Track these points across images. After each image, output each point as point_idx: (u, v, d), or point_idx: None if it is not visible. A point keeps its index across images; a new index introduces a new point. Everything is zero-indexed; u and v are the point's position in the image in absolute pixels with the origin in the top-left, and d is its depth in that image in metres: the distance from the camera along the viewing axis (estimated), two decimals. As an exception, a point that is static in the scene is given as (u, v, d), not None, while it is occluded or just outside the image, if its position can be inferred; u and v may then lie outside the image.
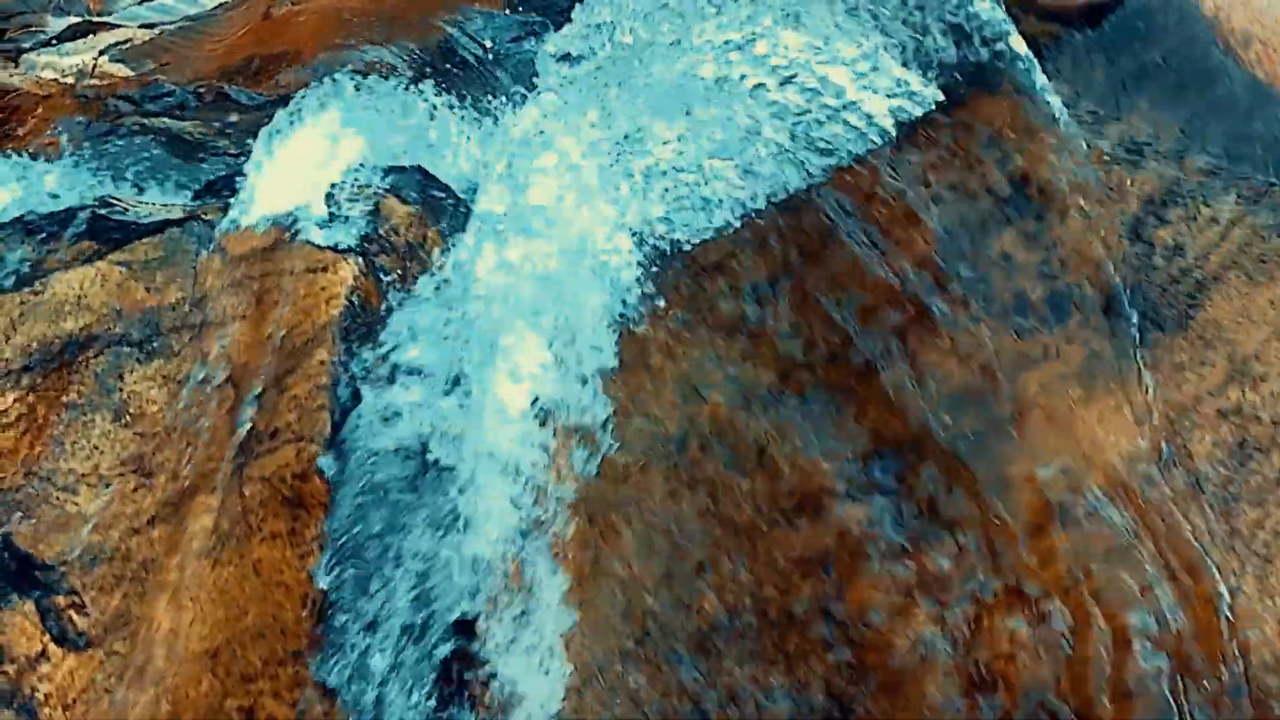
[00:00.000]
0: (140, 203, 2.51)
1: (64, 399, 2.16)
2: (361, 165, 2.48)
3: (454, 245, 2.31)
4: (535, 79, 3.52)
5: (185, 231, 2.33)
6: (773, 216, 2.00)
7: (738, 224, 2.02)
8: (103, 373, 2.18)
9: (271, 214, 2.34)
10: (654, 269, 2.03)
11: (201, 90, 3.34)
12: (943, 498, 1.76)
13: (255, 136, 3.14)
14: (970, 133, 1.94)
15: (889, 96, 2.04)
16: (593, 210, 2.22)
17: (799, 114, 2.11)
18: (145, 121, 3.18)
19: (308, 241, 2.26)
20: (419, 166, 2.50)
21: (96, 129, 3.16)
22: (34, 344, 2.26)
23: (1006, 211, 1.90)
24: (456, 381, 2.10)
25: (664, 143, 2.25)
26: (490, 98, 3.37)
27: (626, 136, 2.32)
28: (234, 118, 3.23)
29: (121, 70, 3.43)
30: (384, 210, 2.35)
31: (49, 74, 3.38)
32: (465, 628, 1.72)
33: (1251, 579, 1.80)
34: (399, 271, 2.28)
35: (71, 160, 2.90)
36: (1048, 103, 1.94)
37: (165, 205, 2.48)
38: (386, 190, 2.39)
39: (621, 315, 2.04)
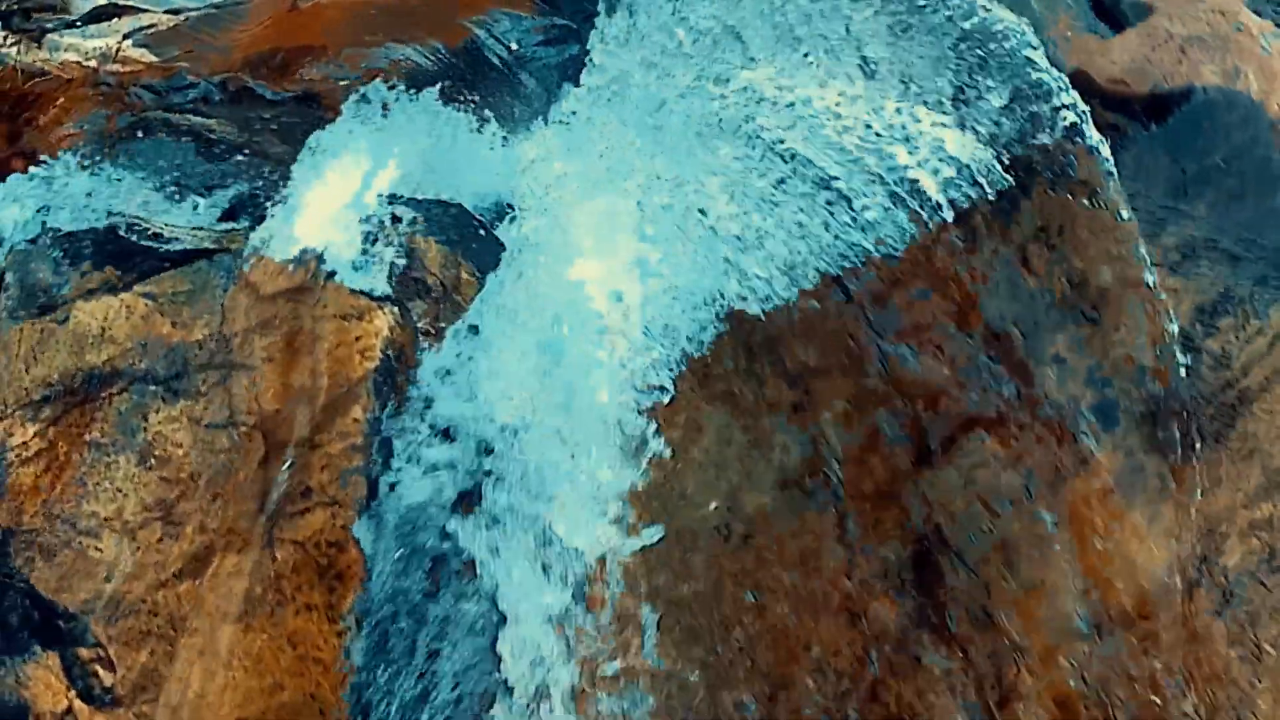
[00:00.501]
0: (166, 225, 2.43)
1: (86, 437, 2.11)
2: (393, 192, 2.43)
3: (486, 287, 2.28)
4: (560, 86, 3.48)
5: (213, 265, 2.26)
6: (822, 295, 1.97)
7: (787, 300, 1.99)
8: (126, 411, 2.13)
9: (301, 249, 2.27)
10: (704, 337, 2.01)
11: (225, 82, 3.26)
12: (971, 605, 1.77)
13: (279, 136, 3.09)
14: (1033, 223, 1.91)
15: (949, 174, 2.00)
16: (631, 265, 2.19)
17: (850, 184, 2.07)
18: (168, 118, 3.09)
19: (341, 283, 2.22)
20: (448, 195, 2.46)
21: (119, 124, 3.07)
22: (55, 375, 2.21)
23: (1062, 313, 1.88)
24: (489, 441, 2.08)
25: (708, 197, 2.21)
26: (516, 106, 3.30)
27: (661, 180, 2.27)
28: (257, 114, 3.15)
29: (145, 56, 3.32)
30: (417, 249, 2.30)
31: (72, 56, 3.26)
32: (501, 709, 1.71)
33: (1270, 694, 1.82)
34: (432, 316, 2.24)
35: (93, 164, 2.82)
36: (1113, 199, 1.91)
37: (192, 230, 2.41)
38: (419, 224, 2.34)
39: (665, 383, 2.01)
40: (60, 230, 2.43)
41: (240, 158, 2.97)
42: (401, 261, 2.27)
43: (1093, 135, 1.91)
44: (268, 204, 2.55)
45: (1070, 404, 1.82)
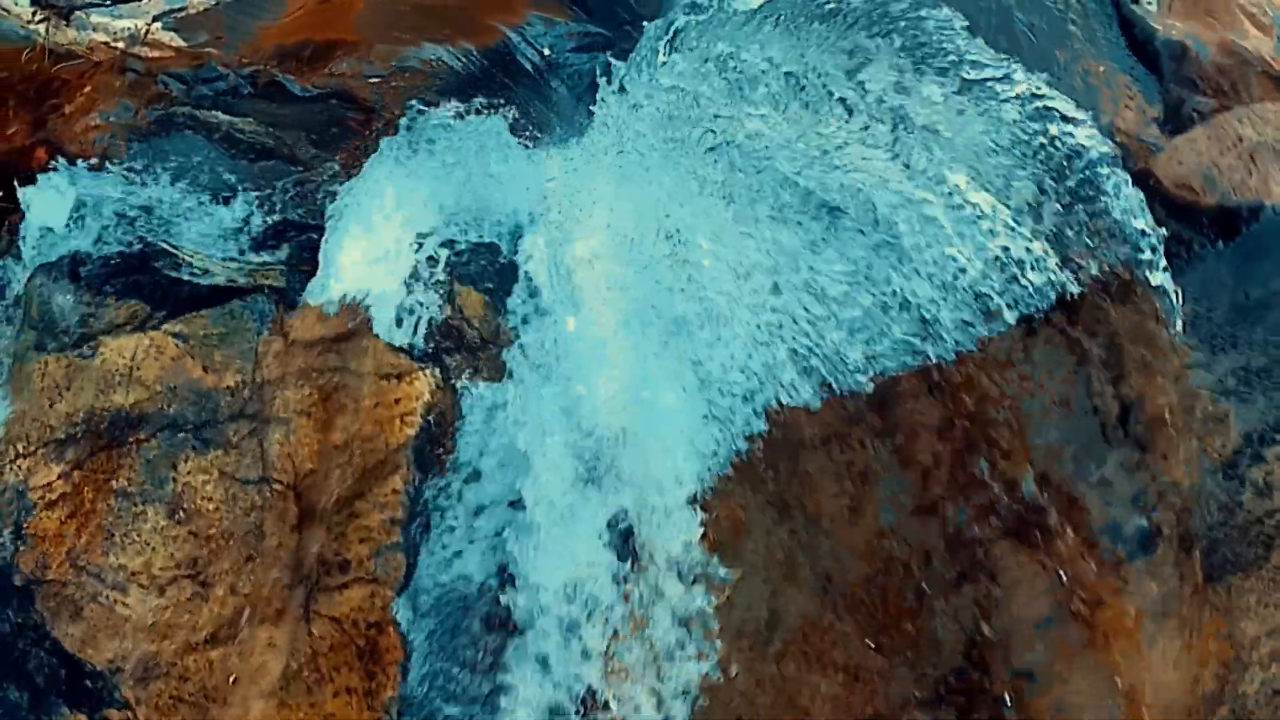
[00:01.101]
0: (195, 254, 2.35)
1: (112, 484, 2.06)
2: (431, 227, 2.36)
3: (523, 343, 2.24)
4: (591, 96, 3.39)
5: (247, 306, 2.20)
6: (878, 394, 1.96)
7: (840, 395, 1.97)
8: (155, 459, 2.08)
9: (339, 293, 2.22)
10: (749, 430, 1.99)
11: (255, 75, 3.15)
12: (1004, 721, 1.80)
13: (309, 138, 2.98)
14: (1092, 339, 1.89)
15: (1012, 279, 1.98)
16: (676, 337, 2.15)
17: (910, 277, 2.04)
18: (196, 114, 2.97)
19: (380, 336, 2.17)
20: (489, 239, 2.40)
21: (146, 118, 2.97)
22: (80, 413, 2.15)
23: (1113, 435, 1.88)
24: (529, 511, 2.06)
25: (753, 276, 2.17)
26: (547, 116, 3.23)
27: (707, 251, 2.22)
28: (287, 110, 3.05)
29: (174, 40, 3.20)
30: (458, 299, 2.24)
31: (100, 36, 3.13)
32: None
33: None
34: (471, 371, 2.19)
35: (119, 167, 2.72)
36: (1173, 320, 1.90)
37: (223, 261, 2.33)
38: (457, 266, 2.27)
39: (706, 476, 2.00)
40: (86, 254, 2.35)
41: (269, 163, 2.87)
42: (441, 311, 2.21)
43: (1158, 253, 1.90)
44: (302, 233, 2.49)
45: (1111, 527, 1.83)
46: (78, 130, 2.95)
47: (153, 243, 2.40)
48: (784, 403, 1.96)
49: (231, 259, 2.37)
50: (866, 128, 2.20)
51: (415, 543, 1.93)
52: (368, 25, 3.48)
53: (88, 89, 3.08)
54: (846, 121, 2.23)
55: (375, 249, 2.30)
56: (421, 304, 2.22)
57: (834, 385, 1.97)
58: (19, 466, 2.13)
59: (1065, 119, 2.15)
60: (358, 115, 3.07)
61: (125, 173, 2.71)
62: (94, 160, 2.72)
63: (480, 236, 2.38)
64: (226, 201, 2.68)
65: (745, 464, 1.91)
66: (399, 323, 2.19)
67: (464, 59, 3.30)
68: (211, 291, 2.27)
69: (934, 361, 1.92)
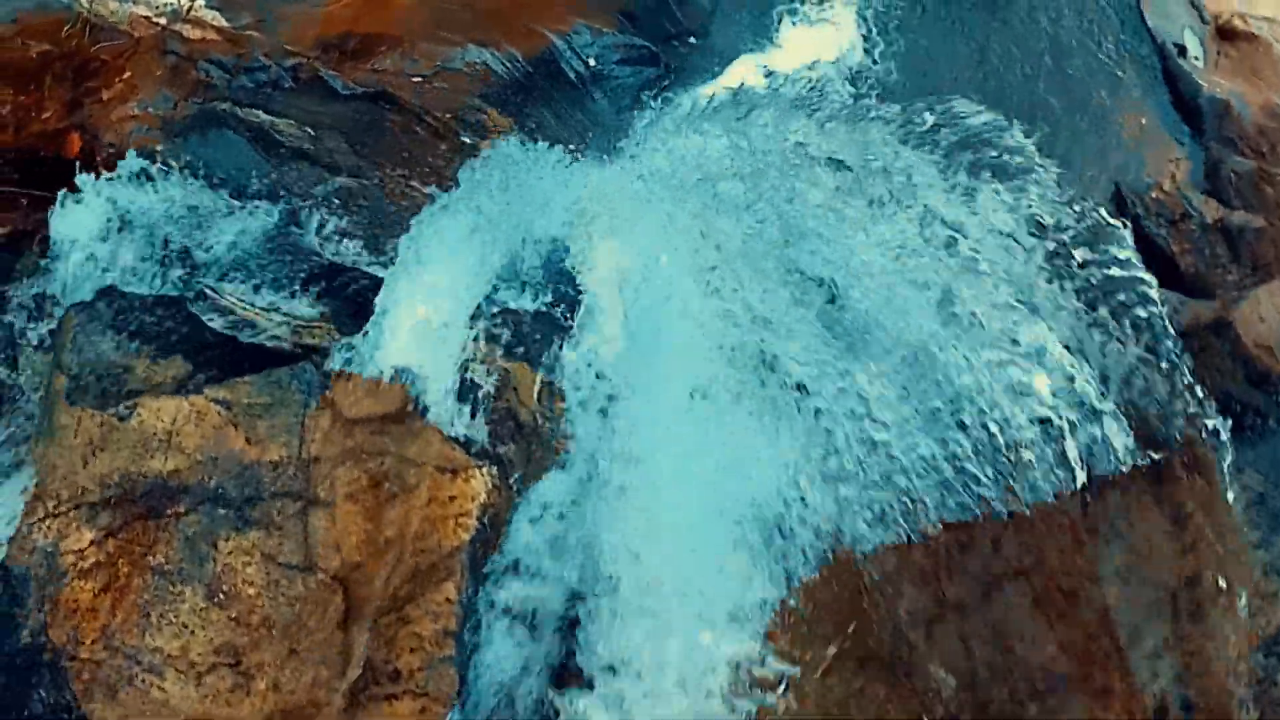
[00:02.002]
0: (239, 301, 2.23)
1: (150, 559, 1.99)
2: (487, 293, 2.26)
3: (577, 431, 2.18)
4: (634, 111, 3.26)
5: (294, 376, 2.09)
6: (940, 542, 1.95)
7: (902, 541, 1.96)
8: (194, 536, 2.00)
9: (390, 365, 2.11)
10: (813, 565, 1.97)
11: (296, 69, 2.96)
12: None
13: (349, 143, 2.79)
14: (1158, 509, 1.89)
15: (1085, 438, 1.97)
16: (742, 459, 2.09)
17: (985, 424, 2.02)
18: (236, 110, 2.80)
19: (434, 422, 2.09)
20: (544, 304, 2.30)
21: (185, 112, 2.76)
22: (115, 476, 2.06)
23: (1167, 608, 1.89)
24: (584, 614, 2.03)
25: (823, 400, 2.11)
26: (589, 133, 3.11)
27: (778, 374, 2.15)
28: (327, 110, 2.84)
29: (216, 20, 3.00)
30: (514, 378, 2.16)
31: (142, 10, 2.93)
32: None
33: None
34: (524, 459, 2.12)
35: (156, 167, 2.56)
36: (1238, 497, 1.90)
37: (267, 312, 2.22)
38: (513, 340, 2.18)
39: (765, 607, 1.98)
40: (124, 296, 2.23)
41: (308, 168, 2.72)
42: (495, 390, 2.13)
43: (1223, 431, 1.89)
44: (349, 278, 2.38)
45: (1155, 699, 1.87)
46: (114, 118, 2.76)
47: (194, 285, 2.28)
48: (846, 542, 1.96)
49: (276, 309, 2.26)
50: (926, 240, 2.17)
51: (467, 654, 1.90)
52: (413, 22, 3.29)
53: (127, 74, 2.90)
54: (902, 230, 2.19)
55: (428, 311, 2.20)
56: (475, 382, 2.14)
57: (899, 527, 1.96)
58: (49, 527, 2.04)
59: (1141, 284, 2.13)
60: (398, 118, 2.90)
61: (161, 176, 2.57)
62: (129, 157, 2.58)
63: (535, 300, 2.30)
64: (268, 234, 2.56)
65: (807, 597, 1.90)
66: (452, 403, 2.12)
67: (509, 64, 3.15)
68: (256, 351, 2.17)
69: (1003, 508, 1.92)
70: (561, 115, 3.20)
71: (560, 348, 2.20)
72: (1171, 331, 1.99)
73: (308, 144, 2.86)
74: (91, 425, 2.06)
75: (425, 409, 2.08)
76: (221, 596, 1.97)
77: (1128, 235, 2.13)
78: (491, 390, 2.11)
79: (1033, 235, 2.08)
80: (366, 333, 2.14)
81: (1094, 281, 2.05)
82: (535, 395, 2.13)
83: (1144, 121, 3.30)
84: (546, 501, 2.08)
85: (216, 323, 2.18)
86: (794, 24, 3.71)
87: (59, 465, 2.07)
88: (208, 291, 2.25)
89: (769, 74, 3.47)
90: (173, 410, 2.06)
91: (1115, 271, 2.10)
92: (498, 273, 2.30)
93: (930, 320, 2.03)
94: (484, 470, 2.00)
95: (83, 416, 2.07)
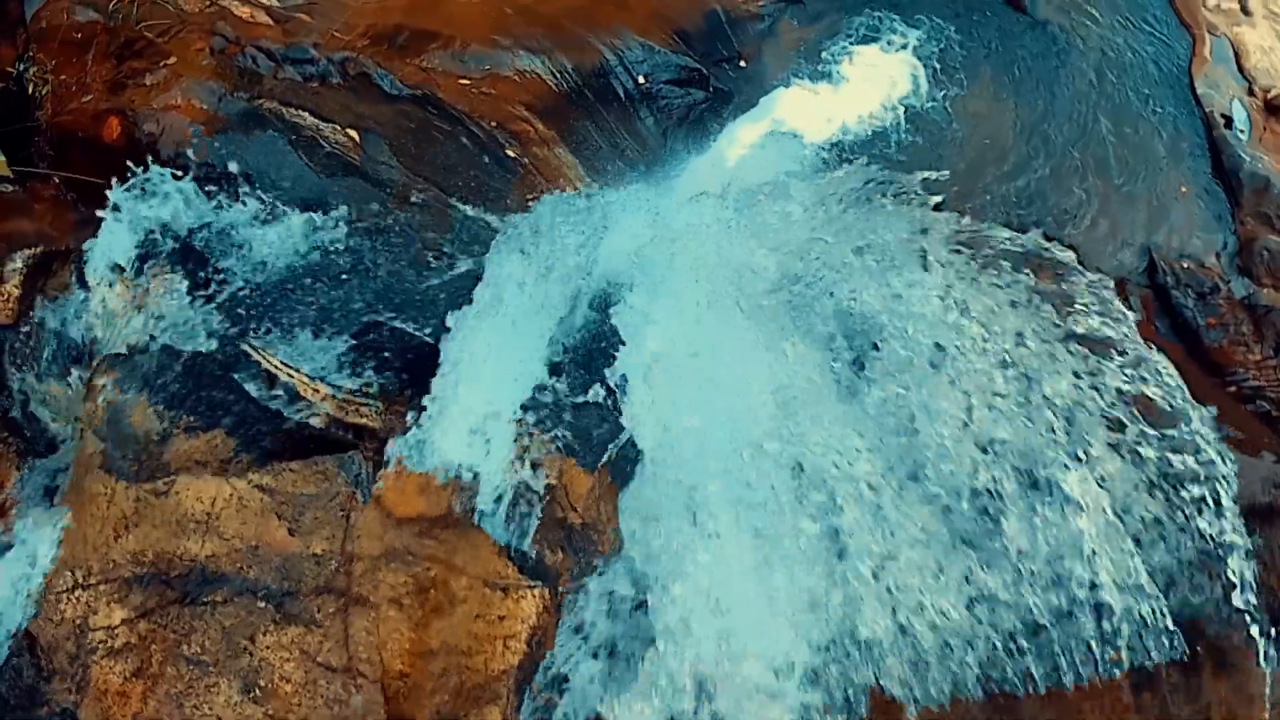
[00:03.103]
0: (282, 367, 2.11)
1: (184, 648, 1.92)
2: (540, 383, 2.18)
3: (624, 546, 2.13)
4: (678, 134, 3.12)
5: (342, 467, 2.00)
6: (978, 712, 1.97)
7: (942, 705, 1.98)
8: (231, 628, 1.94)
9: (440, 461, 2.04)
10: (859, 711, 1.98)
11: (345, 63, 2.79)
12: None
13: (395, 152, 2.68)
14: (1194, 702, 1.92)
15: (1131, 622, 1.98)
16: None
17: (1035, 594, 2.01)
18: (283, 112, 2.66)
19: (485, 530, 2.03)
20: (595, 395, 2.22)
21: (229, 110, 2.64)
22: (149, 554, 1.97)
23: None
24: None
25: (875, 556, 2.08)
26: (632, 153, 2.98)
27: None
28: (374, 111, 2.74)
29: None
30: (566, 480, 2.09)
31: None
32: None
33: None
34: (572, 569, 2.07)
35: (197, 169, 2.46)
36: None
37: (313, 382, 2.10)
38: (565, 435, 2.10)
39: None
40: (161, 350, 2.09)
41: (351, 181, 2.61)
42: (545, 494, 2.07)
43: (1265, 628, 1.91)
44: (397, 347, 2.27)
45: None
46: (156, 106, 2.63)
47: (234, 340, 2.15)
48: (887, 699, 1.97)
49: (321, 379, 2.15)
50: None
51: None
52: (466, 21, 3.11)
53: (172, 59, 2.73)
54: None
55: (480, 402, 2.13)
56: (526, 484, 2.08)
57: (941, 692, 1.97)
58: (78, 599, 1.97)
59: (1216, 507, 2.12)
60: (444, 125, 2.78)
61: (201, 181, 2.44)
62: (168, 159, 2.46)
63: (586, 389, 2.22)
64: (300, 216, 2.44)
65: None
66: (503, 508, 2.06)
67: (559, 75, 3.01)
68: (302, 431, 2.07)
69: (1046, 683, 1.94)
70: (605, 131, 3.07)
71: (610, 440, 2.14)
72: (1236, 525, 1.98)
73: (352, 152, 2.71)
74: (125, 498, 1.97)
75: (475, 512, 2.02)
76: (258, 692, 1.93)
77: (1208, 420, 2.09)
78: (542, 493, 2.05)
79: (1112, 407, 2.04)
80: (419, 424, 2.06)
81: (1163, 461, 2.03)
82: (585, 498, 2.07)
83: (1184, 190, 3.24)
84: (592, 618, 2.06)
85: (260, 393, 2.07)
86: (850, 64, 3.55)
87: (90, 534, 1.98)
88: (250, 351, 2.12)
89: (813, 115, 3.33)
90: (213, 492, 1.97)
91: (1187, 460, 2.08)
92: (548, 357, 2.22)
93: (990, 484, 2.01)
94: (535, 592, 1.96)
95: (117, 488, 1.97)
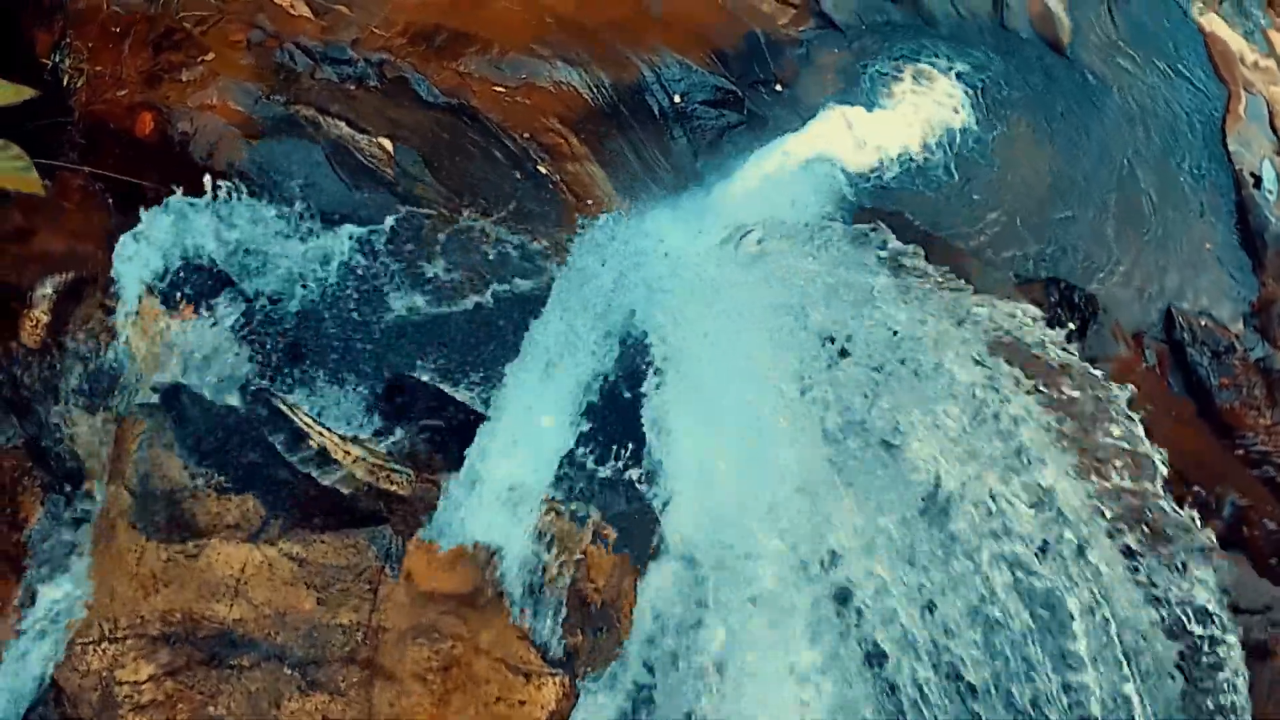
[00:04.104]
0: (314, 425, 2.09)
1: (210, 709, 1.96)
2: (569, 457, 2.20)
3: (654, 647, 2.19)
4: (710, 155, 3.09)
5: (372, 541, 2.02)
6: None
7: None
8: (257, 692, 1.97)
9: (468, 537, 2.07)
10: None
11: (383, 66, 2.72)
12: None
13: (429, 168, 2.64)
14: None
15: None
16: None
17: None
18: (320, 120, 2.60)
19: (509, 610, 2.07)
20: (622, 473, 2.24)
21: (264, 114, 2.57)
22: (177, 614, 1.99)
23: None
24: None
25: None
26: (663, 172, 2.94)
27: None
28: (409, 119, 2.68)
29: None
30: (590, 560, 2.13)
31: None
32: None
33: None
34: (589, 652, 2.12)
35: (231, 187, 2.41)
36: None
37: (343, 441, 2.09)
38: (590, 520, 2.12)
39: None
40: (191, 400, 2.07)
41: (382, 195, 2.57)
42: (570, 574, 2.11)
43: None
44: (427, 407, 2.25)
45: None
46: (192, 104, 2.58)
47: (264, 392, 2.12)
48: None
49: (353, 439, 2.13)
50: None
51: None
52: (507, 27, 3.03)
53: (210, 56, 2.65)
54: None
55: (511, 475, 2.14)
56: (551, 565, 2.11)
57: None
58: (104, 652, 1.99)
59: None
60: (478, 138, 2.73)
61: (233, 192, 2.41)
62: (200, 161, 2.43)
63: (614, 464, 2.24)
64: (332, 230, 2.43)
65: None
66: (527, 589, 2.10)
67: (594, 88, 2.95)
68: (333, 496, 2.07)
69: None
70: (637, 150, 3.02)
71: (634, 521, 2.18)
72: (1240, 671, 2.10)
73: (386, 166, 2.64)
74: (155, 556, 1.98)
75: (500, 591, 2.06)
76: (281, 758, 2.00)
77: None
78: (566, 573, 2.10)
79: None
80: (450, 498, 2.08)
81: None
82: (607, 576, 2.12)
83: (1209, 246, 3.27)
84: (607, 700, 2.13)
85: (292, 454, 2.06)
86: (887, 95, 3.49)
87: (118, 589, 2.00)
88: (281, 407, 2.10)
89: (847, 144, 3.29)
90: (243, 557, 1.99)
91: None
92: (578, 422, 2.23)
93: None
94: (555, 679, 2.01)
95: (147, 547, 1.98)
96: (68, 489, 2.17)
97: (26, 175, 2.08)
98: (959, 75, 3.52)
